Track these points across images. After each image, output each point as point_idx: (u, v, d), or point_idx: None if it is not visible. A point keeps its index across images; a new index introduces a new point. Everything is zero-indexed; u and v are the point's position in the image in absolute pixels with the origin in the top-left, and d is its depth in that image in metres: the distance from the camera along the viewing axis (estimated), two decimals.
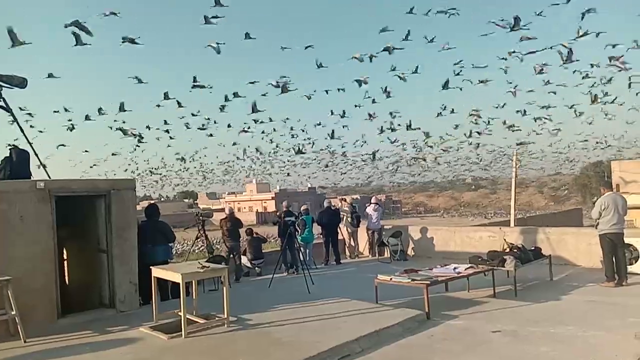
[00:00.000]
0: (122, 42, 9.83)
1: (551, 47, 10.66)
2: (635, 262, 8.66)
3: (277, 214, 11.40)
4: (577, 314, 6.45)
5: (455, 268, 7.75)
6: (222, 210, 14.42)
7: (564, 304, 7.07)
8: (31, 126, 12.93)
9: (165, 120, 16.83)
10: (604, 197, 8.16)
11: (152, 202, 17.15)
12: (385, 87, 14.23)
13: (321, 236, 12.68)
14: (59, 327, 6.22)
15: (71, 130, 14.71)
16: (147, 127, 17.33)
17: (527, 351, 5.03)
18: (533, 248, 9.16)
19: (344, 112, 16.49)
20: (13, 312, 5.64)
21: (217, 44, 10.69)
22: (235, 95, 13.58)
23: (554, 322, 6.01)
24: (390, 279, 7.32)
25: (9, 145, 7.05)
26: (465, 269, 7.71)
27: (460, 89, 14.06)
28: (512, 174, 27.96)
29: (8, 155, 6.84)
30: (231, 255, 10.42)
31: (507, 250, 8.66)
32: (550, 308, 6.86)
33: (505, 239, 9.69)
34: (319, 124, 18.77)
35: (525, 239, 10.49)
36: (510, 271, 7.84)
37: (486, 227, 13.90)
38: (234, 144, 23.51)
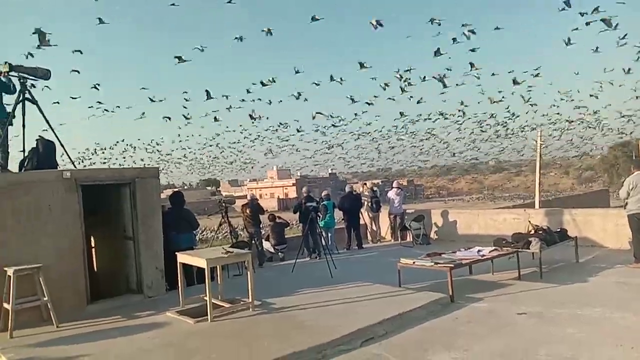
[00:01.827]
0: None
1: None
2: None
3: (299, 201, 11.43)
4: (604, 295, 6.34)
5: (479, 251, 7.68)
6: (245, 197, 14.57)
7: (590, 286, 6.96)
8: (60, 124, 13.30)
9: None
10: (633, 177, 7.96)
11: (176, 189, 17.38)
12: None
13: (343, 221, 12.70)
14: (89, 313, 6.39)
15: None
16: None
17: (553, 333, 4.97)
18: (559, 229, 9.01)
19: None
20: (45, 298, 5.81)
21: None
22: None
23: (580, 304, 5.92)
24: (413, 262, 7.30)
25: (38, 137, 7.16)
26: (490, 252, 7.64)
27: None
28: (537, 155, 27.44)
29: (35, 146, 6.98)
30: (252, 241, 10.51)
31: (532, 232, 8.53)
32: (576, 290, 6.76)
33: (530, 221, 9.55)
34: None
35: (550, 221, 10.31)
36: (535, 253, 7.73)
37: (510, 210, 13.73)
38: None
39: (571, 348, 4.51)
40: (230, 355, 4.74)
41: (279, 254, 11.10)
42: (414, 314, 5.75)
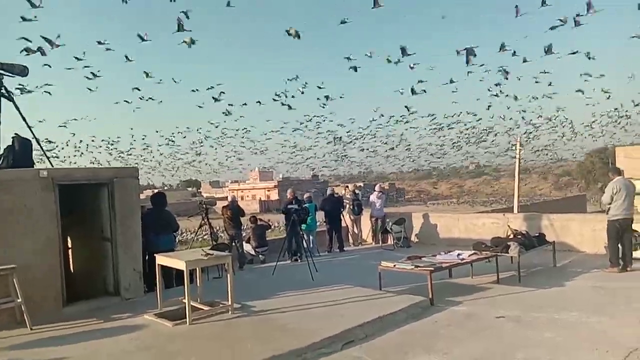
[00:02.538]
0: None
1: None
2: None
3: (286, 203, 11.36)
4: (581, 300, 6.44)
5: (459, 254, 7.75)
6: (226, 198, 14.48)
7: (567, 290, 7.06)
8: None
9: None
10: (616, 182, 8.04)
11: (158, 190, 17.13)
12: None
13: (324, 224, 12.70)
14: (65, 315, 6.26)
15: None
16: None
17: (531, 337, 5.03)
18: (537, 234, 9.13)
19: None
20: (19, 300, 5.67)
21: None
22: None
23: (558, 308, 6.00)
24: (394, 265, 7.32)
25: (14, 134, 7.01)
26: (469, 256, 7.71)
27: None
28: (515, 160, 27.80)
29: (11, 144, 6.82)
30: (233, 243, 10.44)
31: (511, 236, 8.63)
32: (554, 294, 6.85)
33: (509, 225, 9.67)
34: None
35: (529, 225, 10.46)
36: (514, 257, 7.83)
37: (489, 214, 13.91)
38: None
39: (549, 352, 4.57)
40: (212, 357, 4.69)
41: (260, 256, 11.04)
42: (394, 317, 5.77)
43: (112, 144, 25.10)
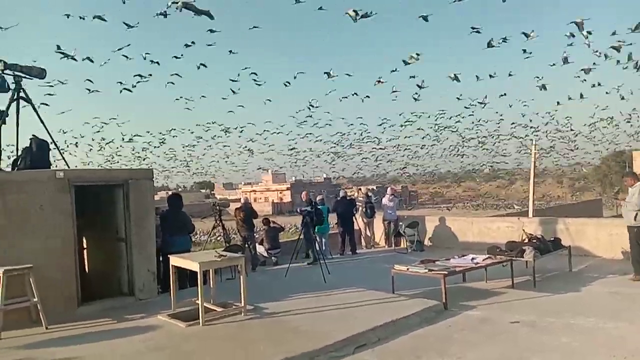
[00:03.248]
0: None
1: None
2: None
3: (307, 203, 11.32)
4: (597, 305, 6.34)
5: (473, 258, 7.68)
6: (239, 200, 14.53)
7: (584, 296, 6.96)
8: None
9: None
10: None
11: (175, 192, 17.28)
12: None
13: (336, 226, 12.67)
14: (79, 315, 6.32)
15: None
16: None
17: (546, 342, 4.96)
18: (552, 239, 9.02)
19: None
20: (35, 299, 5.74)
21: None
22: None
23: (574, 313, 5.92)
24: (407, 269, 7.28)
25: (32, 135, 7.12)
26: (483, 260, 7.63)
27: None
28: (531, 164, 27.50)
29: (28, 145, 6.92)
30: (246, 245, 10.47)
31: (526, 240, 8.54)
32: (570, 299, 6.76)
33: (524, 229, 9.58)
34: None
35: (544, 230, 10.33)
36: (529, 262, 7.74)
37: (504, 218, 13.75)
38: None
39: (564, 357, 4.51)
40: (225, 358, 4.71)
41: (273, 258, 11.05)
42: (407, 320, 5.73)
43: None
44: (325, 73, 13.09)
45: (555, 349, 4.76)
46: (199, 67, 14.55)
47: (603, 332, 5.20)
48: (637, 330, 5.19)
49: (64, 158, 7.94)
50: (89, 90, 15.31)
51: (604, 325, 5.41)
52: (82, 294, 6.63)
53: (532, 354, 4.63)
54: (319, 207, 11.33)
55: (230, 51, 16.44)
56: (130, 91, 15.58)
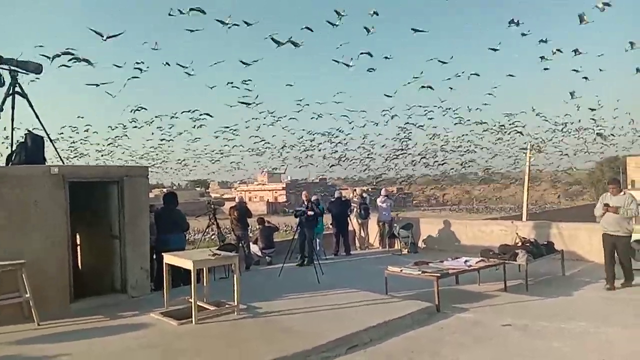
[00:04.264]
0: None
1: None
2: None
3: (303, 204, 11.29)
4: (589, 309, 6.38)
5: (466, 261, 7.71)
6: (234, 199, 14.52)
7: (576, 300, 7.00)
8: None
9: None
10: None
11: (170, 189, 17.28)
12: None
13: (331, 227, 12.69)
14: (72, 311, 6.29)
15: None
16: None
17: (538, 346, 4.99)
18: (545, 243, 9.06)
19: None
20: (27, 295, 5.72)
21: None
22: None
23: (565, 317, 5.95)
24: (401, 270, 7.30)
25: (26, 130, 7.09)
26: (476, 262, 7.66)
27: None
28: (525, 168, 27.61)
29: (23, 140, 6.89)
30: (240, 244, 10.46)
31: (519, 244, 8.57)
32: (562, 303, 6.79)
33: (517, 233, 9.60)
34: None
35: (537, 234, 10.39)
36: (521, 265, 7.77)
37: (498, 221, 13.81)
38: None
39: None
40: (219, 356, 4.71)
41: (267, 257, 11.05)
42: (400, 322, 5.74)
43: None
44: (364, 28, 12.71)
45: (546, 353, 4.78)
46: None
47: (594, 336, 5.23)
48: (628, 335, 5.22)
49: (58, 154, 7.93)
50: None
51: (595, 329, 5.44)
52: (74, 290, 6.61)
53: (524, 358, 4.66)
54: (318, 206, 11.30)
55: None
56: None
